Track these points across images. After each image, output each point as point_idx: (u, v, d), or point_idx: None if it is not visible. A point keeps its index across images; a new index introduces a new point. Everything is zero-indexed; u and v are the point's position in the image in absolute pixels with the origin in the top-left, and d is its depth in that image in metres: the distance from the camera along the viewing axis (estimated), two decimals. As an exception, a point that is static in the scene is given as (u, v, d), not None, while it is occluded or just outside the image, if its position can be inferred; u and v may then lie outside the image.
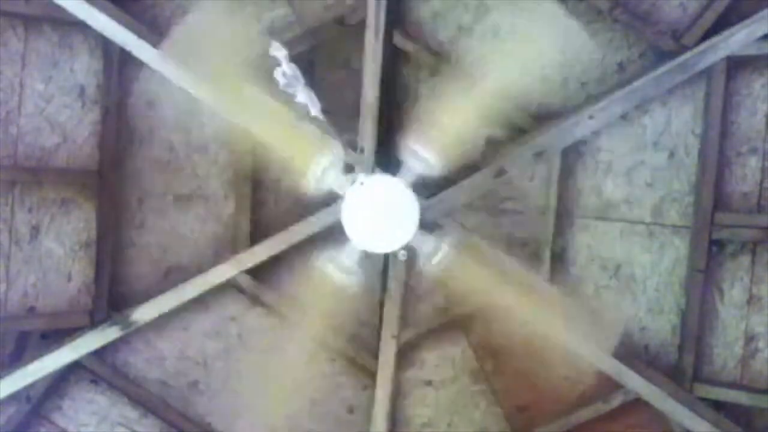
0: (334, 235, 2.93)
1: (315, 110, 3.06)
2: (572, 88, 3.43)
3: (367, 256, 2.77)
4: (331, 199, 2.96)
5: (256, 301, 3.65)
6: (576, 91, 3.43)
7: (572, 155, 3.44)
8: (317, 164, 2.64)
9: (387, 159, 3.28)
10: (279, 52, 2.92)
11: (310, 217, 3.43)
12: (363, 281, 2.82)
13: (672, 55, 3.27)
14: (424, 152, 2.64)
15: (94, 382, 3.61)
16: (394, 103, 3.50)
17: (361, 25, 3.32)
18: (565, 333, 3.05)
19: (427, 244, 2.71)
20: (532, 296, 2.85)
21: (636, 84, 3.28)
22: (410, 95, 3.54)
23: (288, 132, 2.80)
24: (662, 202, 3.41)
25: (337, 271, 2.72)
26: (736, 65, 3.24)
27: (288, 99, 2.97)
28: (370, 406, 3.66)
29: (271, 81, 2.86)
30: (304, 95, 2.98)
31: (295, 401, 3.55)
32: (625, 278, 3.49)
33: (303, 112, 3.15)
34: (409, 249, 2.77)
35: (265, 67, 2.86)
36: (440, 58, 3.46)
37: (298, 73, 2.94)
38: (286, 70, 2.93)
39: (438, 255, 2.69)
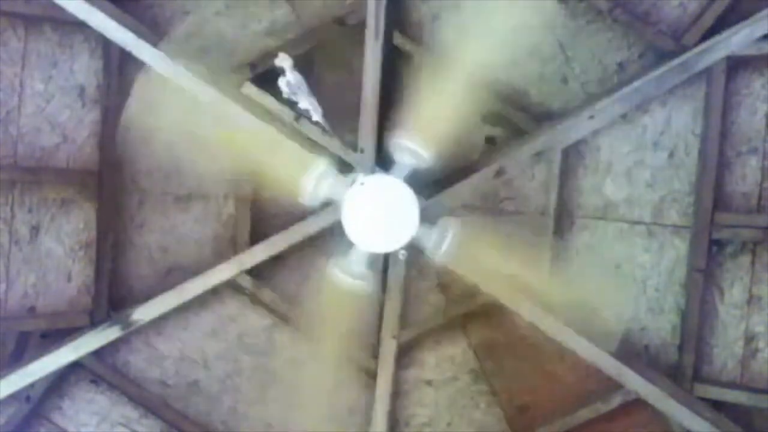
0: (334, 235, 2.93)
1: (317, 116, 3.09)
2: (572, 88, 3.43)
3: (370, 257, 2.78)
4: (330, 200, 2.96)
5: (256, 301, 3.65)
6: (576, 91, 3.43)
7: (572, 155, 3.44)
8: (309, 176, 2.65)
9: (387, 159, 3.28)
10: (285, 61, 2.94)
11: (310, 216, 3.43)
12: (373, 282, 2.84)
13: (672, 55, 3.27)
14: (413, 146, 2.65)
15: (94, 382, 3.61)
16: (394, 103, 3.50)
17: (361, 25, 3.31)
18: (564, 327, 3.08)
19: (431, 237, 2.72)
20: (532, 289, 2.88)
21: (636, 84, 3.28)
22: (410, 95, 3.53)
23: (275, 149, 2.81)
24: (662, 202, 3.41)
25: (347, 277, 2.72)
26: (736, 65, 3.24)
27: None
28: (370, 406, 3.66)
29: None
30: (306, 102, 3.01)
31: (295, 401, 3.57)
32: (625, 278, 3.49)
33: (304, 117, 3.19)
34: (414, 244, 2.77)
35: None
36: (440, 58, 3.46)
37: (302, 81, 2.97)
38: (290, 79, 2.96)
39: (444, 245, 2.70)
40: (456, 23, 3.43)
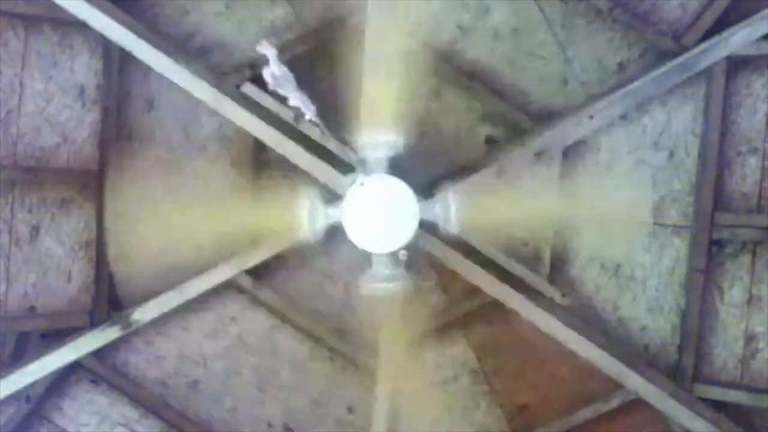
0: (335, 234, 2.92)
1: (309, 113, 3.05)
2: (572, 88, 3.43)
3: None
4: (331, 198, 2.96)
5: (256, 301, 3.65)
6: (576, 91, 3.43)
7: (572, 155, 3.44)
8: (301, 215, 2.65)
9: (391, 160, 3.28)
10: (268, 50, 2.85)
11: (310, 217, 3.42)
12: (409, 276, 2.85)
13: (672, 55, 3.27)
14: (376, 138, 2.65)
15: (94, 382, 3.61)
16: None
17: (361, 25, 3.31)
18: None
19: (435, 210, 2.72)
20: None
21: (636, 84, 3.28)
22: (410, 95, 3.53)
23: (257, 208, 2.83)
24: (662, 202, 3.41)
25: (380, 284, 2.75)
26: (736, 65, 3.24)
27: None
28: (370, 406, 3.66)
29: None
30: (296, 99, 2.95)
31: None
32: (625, 278, 3.49)
33: (297, 116, 3.18)
34: (425, 223, 2.77)
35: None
36: (440, 58, 3.46)
37: (289, 74, 2.90)
38: (275, 71, 2.86)
39: (452, 214, 2.69)
40: (456, 23, 3.42)
